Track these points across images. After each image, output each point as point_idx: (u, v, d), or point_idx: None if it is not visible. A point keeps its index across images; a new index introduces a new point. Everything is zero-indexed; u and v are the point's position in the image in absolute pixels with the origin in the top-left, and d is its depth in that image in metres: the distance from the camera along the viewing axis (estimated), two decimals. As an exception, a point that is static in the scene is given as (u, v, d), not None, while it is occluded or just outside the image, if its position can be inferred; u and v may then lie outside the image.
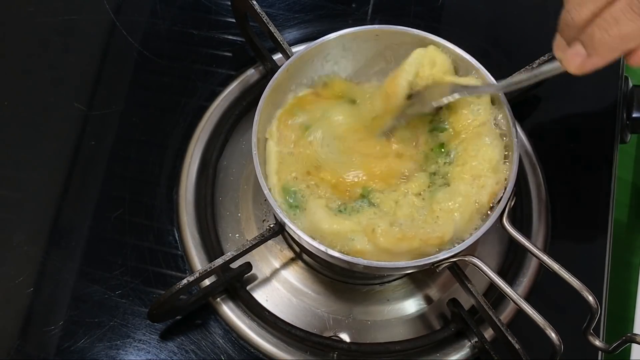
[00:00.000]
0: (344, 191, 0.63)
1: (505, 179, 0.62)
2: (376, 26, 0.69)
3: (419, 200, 0.62)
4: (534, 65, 0.73)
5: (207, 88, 0.82)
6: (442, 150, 0.65)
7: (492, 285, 0.71)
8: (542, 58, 0.73)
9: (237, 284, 0.70)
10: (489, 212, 0.61)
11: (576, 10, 0.50)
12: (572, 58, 0.51)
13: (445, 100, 0.63)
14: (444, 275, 0.72)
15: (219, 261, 0.65)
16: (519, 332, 0.62)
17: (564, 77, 0.79)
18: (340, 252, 0.58)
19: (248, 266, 0.70)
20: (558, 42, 0.54)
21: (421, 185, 0.63)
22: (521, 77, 0.59)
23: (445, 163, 0.64)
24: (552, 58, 0.74)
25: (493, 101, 0.66)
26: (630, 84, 0.83)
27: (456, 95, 0.62)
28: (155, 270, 0.73)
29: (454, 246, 0.59)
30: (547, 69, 0.56)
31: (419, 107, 0.64)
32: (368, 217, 0.60)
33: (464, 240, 0.59)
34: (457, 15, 0.88)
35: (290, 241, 0.75)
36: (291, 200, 0.62)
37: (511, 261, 0.74)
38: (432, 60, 0.64)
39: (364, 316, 0.72)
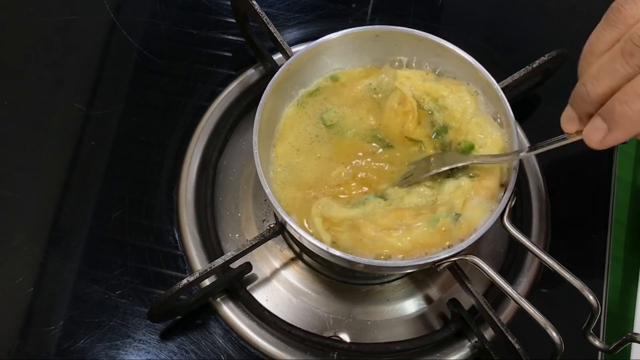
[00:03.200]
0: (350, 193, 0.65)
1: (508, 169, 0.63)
2: (376, 26, 0.69)
3: (428, 189, 0.63)
4: (534, 65, 0.73)
5: (207, 88, 0.82)
6: (447, 149, 0.66)
7: (492, 286, 0.72)
8: (542, 58, 0.74)
9: (237, 284, 0.70)
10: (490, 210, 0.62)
11: (592, 84, 0.48)
12: (593, 133, 0.49)
13: (456, 164, 0.63)
14: (444, 275, 0.73)
15: (219, 261, 0.65)
16: (519, 332, 0.62)
17: (564, 77, 0.80)
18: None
19: (248, 266, 0.70)
20: (568, 115, 0.52)
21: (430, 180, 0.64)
22: (542, 148, 0.58)
23: None
24: (555, 58, 0.74)
25: (493, 101, 0.66)
26: (630, 84, 0.83)
27: (474, 161, 0.62)
28: (155, 270, 0.73)
29: (454, 242, 0.60)
30: (560, 139, 0.55)
31: (420, 172, 0.65)
32: (373, 207, 0.62)
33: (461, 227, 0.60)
34: (457, 15, 0.88)
35: (290, 241, 0.75)
36: None
37: (511, 261, 0.74)
38: (407, 76, 0.69)
39: (364, 316, 0.72)
